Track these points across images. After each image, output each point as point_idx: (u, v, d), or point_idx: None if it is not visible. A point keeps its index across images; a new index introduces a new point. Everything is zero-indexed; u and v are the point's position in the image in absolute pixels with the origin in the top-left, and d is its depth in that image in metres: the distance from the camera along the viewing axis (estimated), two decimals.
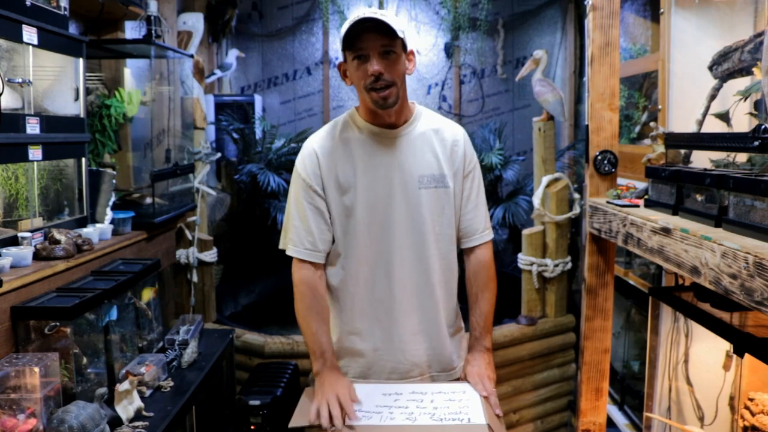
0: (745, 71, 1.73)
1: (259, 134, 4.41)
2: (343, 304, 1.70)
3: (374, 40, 1.54)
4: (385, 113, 1.63)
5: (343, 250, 1.67)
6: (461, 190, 1.71)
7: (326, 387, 1.54)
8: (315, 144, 1.68)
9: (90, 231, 2.08)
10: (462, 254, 1.78)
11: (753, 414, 1.91)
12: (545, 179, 3.19)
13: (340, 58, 1.66)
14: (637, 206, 1.84)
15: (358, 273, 1.66)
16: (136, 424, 1.64)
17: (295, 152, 4.36)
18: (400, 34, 1.55)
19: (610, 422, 2.62)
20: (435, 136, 1.69)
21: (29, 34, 1.79)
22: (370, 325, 1.68)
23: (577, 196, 3.28)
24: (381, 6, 4.70)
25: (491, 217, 3.71)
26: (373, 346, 1.68)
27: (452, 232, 1.70)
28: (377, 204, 1.64)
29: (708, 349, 2.15)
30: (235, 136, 4.31)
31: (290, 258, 1.67)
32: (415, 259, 1.66)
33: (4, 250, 1.70)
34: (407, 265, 1.65)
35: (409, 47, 1.64)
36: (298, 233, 1.64)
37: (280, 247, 1.70)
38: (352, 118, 1.71)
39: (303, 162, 1.67)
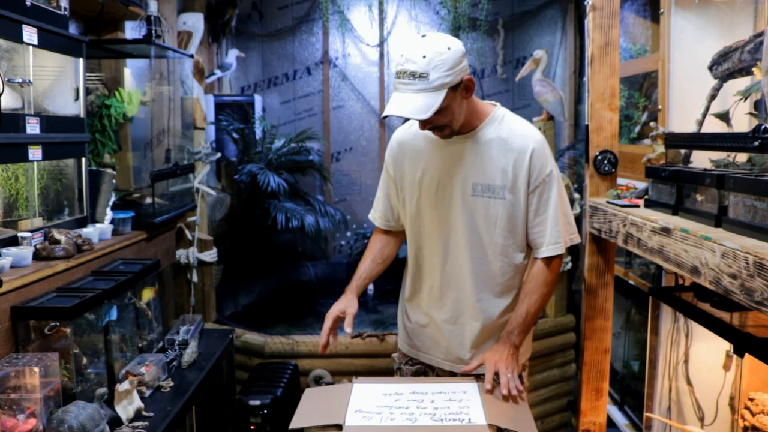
0: (745, 71, 1.73)
1: (259, 134, 4.41)
2: (407, 277, 1.87)
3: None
4: None
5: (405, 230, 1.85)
6: (527, 204, 1.68)
7: (338, 302, 1.77)
8: (398, 134, 1.83)
9: (90, 231, 2.07)
10: None
11: (753, 414, 1.90)
12: None
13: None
14: (637, 206, 1.84)
15: (410, 256, 1.84)
16: (136, 424, 1.64)
17: (295, 152, 4.43)
18: (440, 100, 1.51)
19: (610, 422, 2.62)
20: (501, 146, 1.67)
21: (29, 34, 1.79)
22: (418, 303, 1.84)
23: (577, 196, 3.28)
24: (381, 6, 4.70)
25: None
26: (421, 321, 1.83)
27: (507, 243, 1.70)
28: (425, 203, 1.74)
29: (708, 349, 2.15)
30: (235, 136, 4.31)
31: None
32: (448, 261, 1.74)
33: (4, 250, 1.70)
34: (440, 264, 1.76)
35: (464, 78, 1.57)
36: (379, 203, 1.89)
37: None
38: None
39: (388, 147, 1.85)
